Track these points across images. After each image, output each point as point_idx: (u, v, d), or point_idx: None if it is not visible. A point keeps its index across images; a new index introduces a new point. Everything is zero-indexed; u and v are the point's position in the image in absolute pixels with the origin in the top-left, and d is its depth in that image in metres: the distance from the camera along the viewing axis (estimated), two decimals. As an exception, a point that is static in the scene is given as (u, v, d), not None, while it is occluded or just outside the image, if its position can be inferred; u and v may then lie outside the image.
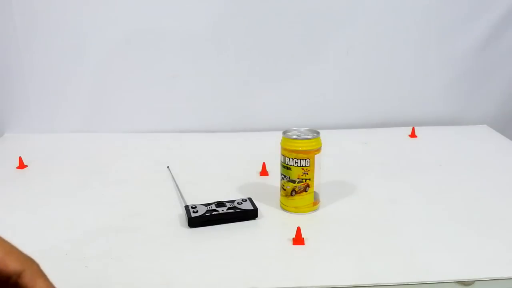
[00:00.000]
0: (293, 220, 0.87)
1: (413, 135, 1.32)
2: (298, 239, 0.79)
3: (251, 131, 1.37)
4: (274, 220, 0.88)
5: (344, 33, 1.33)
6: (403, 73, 1.38)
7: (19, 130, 1.37)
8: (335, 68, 1.36)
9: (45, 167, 1.14)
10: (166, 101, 1.36)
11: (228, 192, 0.98)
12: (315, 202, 0.91)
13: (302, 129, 0.90)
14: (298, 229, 0.79)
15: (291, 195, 0.89)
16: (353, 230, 0.84)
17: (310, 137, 0.88)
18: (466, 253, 0.76)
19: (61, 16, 1.27)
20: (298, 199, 0.89)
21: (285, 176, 0.89)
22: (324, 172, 1.10)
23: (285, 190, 0.90)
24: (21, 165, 1.13)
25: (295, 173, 0.87)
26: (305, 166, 0.87)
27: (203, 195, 0.95)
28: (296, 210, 0.90)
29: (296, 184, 0.88)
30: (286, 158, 0.88)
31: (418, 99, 1.41)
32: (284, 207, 0.92)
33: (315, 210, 0.91)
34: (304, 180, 0.88)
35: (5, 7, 1.25)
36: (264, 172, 1.07)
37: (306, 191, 0.88)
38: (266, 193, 0.98)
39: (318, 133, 0.89)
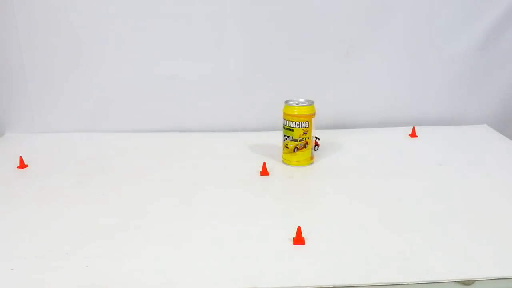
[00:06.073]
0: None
1: (413, 134, 1.32)
2: (299, 239, 0.79)
3: (251, 131, 1.38)
4: (274, 219, 0.88)
5: (344, 34, 1.33)
6: (403, 73, 1.38)
7: (19, 130, 1.37)
8: (335, 68, 1.36)
9: (45, 167, 1.14)
10: (166, 101, 1.36)
11: (228, 191, 0.99)
12: (312, 156, 1.12)
13: (299, 99, 1.09)
14: (299, 229, 0.79)
15: (294, 151, 1.09)
16: (353, 229, 0.84)
17: (307, 104, 1.08)
18: (466, 253, 0.76)
19: (61, 16, 1.28)
20: (300, 154, 1.10)
21: (288, 137, 1.09)
22: (325, 171, 1.10)
23: (288, 148, 1.10)
24: (22, 165, 1.13)
25: (297, 133, 1.08)
26: (305, 127, 1.07)
27: (203, 194, 0.95)
28: (298, 163, 1.11)
29: (298, 142, 1.08)
30: (289, 122, 1.08)
31: (418, 98, 1.41)
32: (287, 162, 1.11)
33: (311, 163, 1.12)
34: (304, 139, 1.08)
35: (6, 6, 1.26)
36: (264, 171, 1.08)
37: (305, 148, 1.09)
38: (267, 192, 0.98)
39: (312, 101, 1.08)
